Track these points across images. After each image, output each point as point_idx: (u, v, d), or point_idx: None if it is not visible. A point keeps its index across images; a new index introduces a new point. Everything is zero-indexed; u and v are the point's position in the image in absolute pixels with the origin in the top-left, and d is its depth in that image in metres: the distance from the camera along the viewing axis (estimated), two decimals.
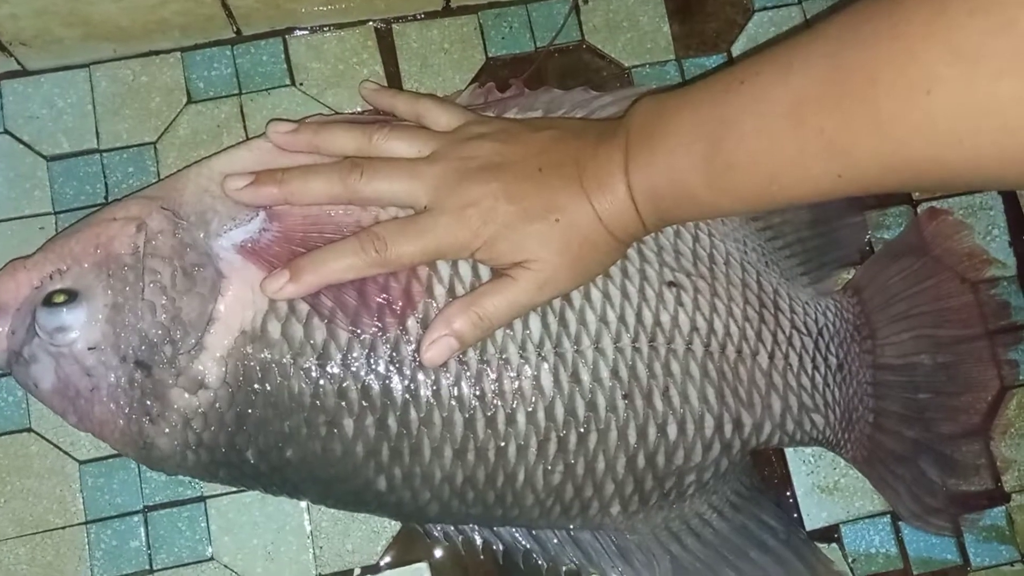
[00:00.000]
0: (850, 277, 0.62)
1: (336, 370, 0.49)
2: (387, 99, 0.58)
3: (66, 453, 0.58)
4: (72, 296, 0.48)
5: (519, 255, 0.48)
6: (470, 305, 0.48)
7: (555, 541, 0.56)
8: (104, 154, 0.61)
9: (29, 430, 0.58)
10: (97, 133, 0.61)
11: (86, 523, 0.57)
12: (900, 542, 0.61)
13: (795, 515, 0.61)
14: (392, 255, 0.49)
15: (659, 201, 0.47)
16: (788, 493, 0.61)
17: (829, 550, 0.60)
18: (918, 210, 0.64)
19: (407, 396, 0.50)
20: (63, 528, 0.57)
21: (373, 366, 0.49)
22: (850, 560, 0.61)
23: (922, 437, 0.58)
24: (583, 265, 0.49)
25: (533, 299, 0.49)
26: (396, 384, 0.49)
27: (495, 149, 0.50)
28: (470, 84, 0.62)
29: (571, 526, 0.55)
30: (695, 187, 0.46)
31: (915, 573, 0.61)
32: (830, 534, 0.61)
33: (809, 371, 0.56)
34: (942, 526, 0.59)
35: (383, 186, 0.50)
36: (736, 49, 0.66)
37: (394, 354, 0.49)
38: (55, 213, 0.60)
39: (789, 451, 0.62)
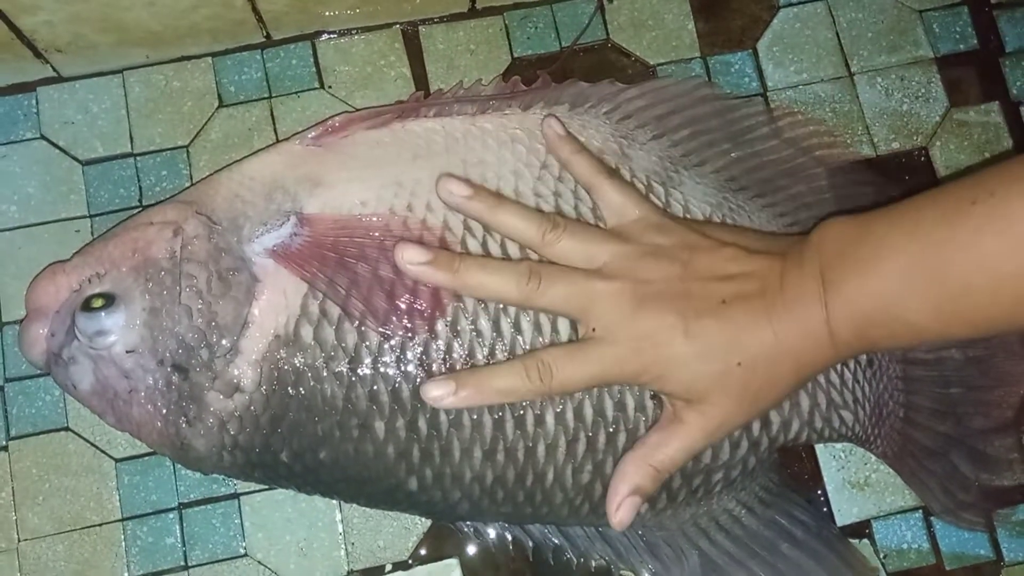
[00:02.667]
0: None
1: (367, 373, 0.49)
2: (567, 153, 0.53)
3: (103, 451, 0.59)
4: (110, 300, 0.49)
5: (692, 395, 0.47)
6: (645, 459, 0.48)
7: (584, 537, 0.56)
8: (138, 158, 0.62)
9: (67, 429, 0.59)
10: (131, 137, 0.62)
11: (122, 520, 0.58)
12: (932, 537, 0.61)
13: (826, 511, 0.61)
14: (556, 383, 0.47)
15: (867, 330, 0.45)
16: (819, 489, 0.61)
17: (861, 546, 0.60)
18: None
19: None
20: (100, 525, 0.58)
21: (403, 369, 0.49)
22: (882, 556, 0.60)
23: (953, 432, 0.58)
24: (760, 405, 0.48)
25: (707, 443, 0.48)
26: None
27: (675, 273, 0.48)
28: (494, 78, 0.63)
29: (600, 524, 0.55)
30: (916, 314, 0.44)
31: (947, 568, 0.60)
32: (861, 530, 0.61)
33: (838, 367, 0.56)
34: (975, 521, 0.58)
35: (558, 300, 0.48)
36: (761, 46, 0.65)
37: (423, 357, 0.49)
38: (90, 216, 0.61)
39: (819, 447, 0.61)
